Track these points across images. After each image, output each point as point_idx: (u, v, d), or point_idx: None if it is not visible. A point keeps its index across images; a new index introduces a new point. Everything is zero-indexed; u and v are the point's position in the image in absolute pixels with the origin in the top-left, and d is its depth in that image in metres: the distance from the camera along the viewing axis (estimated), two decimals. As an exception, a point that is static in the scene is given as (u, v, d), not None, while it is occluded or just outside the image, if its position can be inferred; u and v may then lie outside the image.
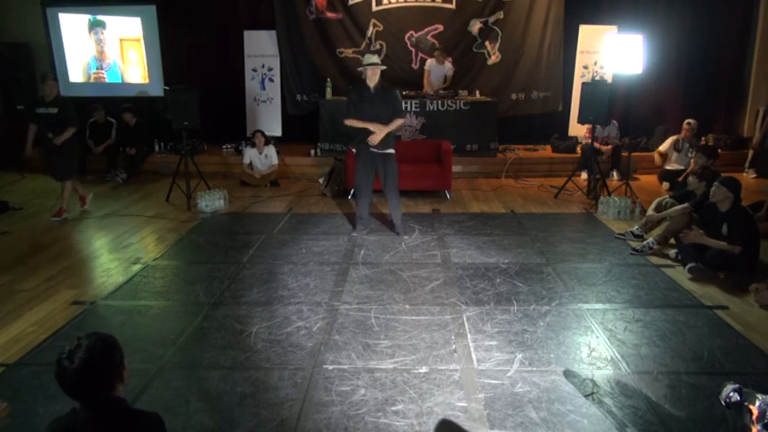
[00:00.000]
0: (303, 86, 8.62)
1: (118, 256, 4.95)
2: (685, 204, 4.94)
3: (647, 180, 7.72)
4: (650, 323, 3.65)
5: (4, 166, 8.19)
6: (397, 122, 5.15)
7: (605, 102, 6.32)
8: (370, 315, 3.77)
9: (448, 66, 8.29)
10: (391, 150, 5.21)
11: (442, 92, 8.09)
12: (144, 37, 9.00)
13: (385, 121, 5.06)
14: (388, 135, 5.13)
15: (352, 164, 6.67)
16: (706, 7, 8.59)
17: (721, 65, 8.85)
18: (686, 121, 7.38)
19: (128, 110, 8.14)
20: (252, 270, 4.58)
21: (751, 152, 8.02)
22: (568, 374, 3.06)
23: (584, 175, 7.32)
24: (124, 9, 8.89)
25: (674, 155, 7.40)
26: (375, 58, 5.12)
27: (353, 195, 6.51)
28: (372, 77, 5.04)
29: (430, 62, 8.30)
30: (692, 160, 7.06)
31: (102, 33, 9.06)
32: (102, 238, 5.45)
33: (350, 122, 5.12)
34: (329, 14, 8.38)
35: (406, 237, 5.33)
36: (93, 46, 9.11)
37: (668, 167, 7.41)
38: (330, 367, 3.14)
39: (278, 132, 8.73)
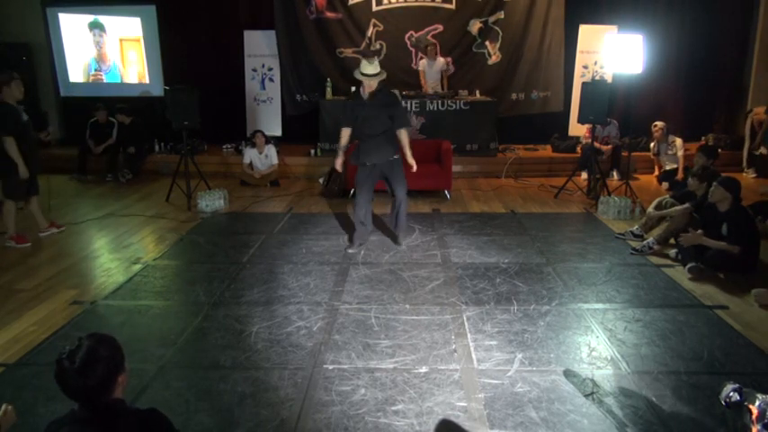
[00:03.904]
0: (303, 86, 8.62)
1: (118, 255, 4.95)
2: (686, 205, 4.94)
3: (647, 180, 7.73)
4: (650, 323, 3.65)
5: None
6: (406, 138, 4.82)
7: (605, 102, 6.32)
8: (370, 315, 3.77)
9: (441, 61, 8.27)
10: (396, 156, 4.88)
11: (441, 92, 8.09)
12: (144, 37, 9.01)
13: (380, 124, 4.73)
14: (387, 144, 4.81)
15: (352, 164, 6.67)
16: (706, 7, 8.60)
17: (721, 65, 8.85)
18: (653, 124, 7.50)
19: (120, 110, 8.15)
20: (252, 270, 4.58)
21: (746, 153, 8.04)
22: (568, 374, 3.06)
23: (584, 175, 7.33)
24: (124, 9, 8.90)
25: (661, 157, 7.56)
26: (372, 68, 4.66)
27: (353, 196, 6.49)
28: (370, 88, 4.70)
29: (423, 62, 8.29)
30: (678, 154, 7.24)
31: (102, 36, 9.06)
32: (103, 238, 5.45)
33: (342, 134, 4.90)
34: (329, 14, 8.38)
35: (403, 247, 5.08)
36: (94, 48, 9.12)
37: (665, 168, 7.48)
38: (330, 367, 3.14)
39: (278, 132, 8.73)
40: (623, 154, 7.32)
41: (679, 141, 7.30)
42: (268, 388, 2.95)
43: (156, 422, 1.74)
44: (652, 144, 7.68)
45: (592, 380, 3.00)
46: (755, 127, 7.88)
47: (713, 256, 4.35)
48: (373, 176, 4.93)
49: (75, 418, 1.65)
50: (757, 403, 1.70)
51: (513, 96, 8.67)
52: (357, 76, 4.77)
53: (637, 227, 5.31)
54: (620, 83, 7.46)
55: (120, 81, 9.28)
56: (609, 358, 3.23)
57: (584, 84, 6.68)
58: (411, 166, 4.87)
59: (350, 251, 4.95)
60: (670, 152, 7.39)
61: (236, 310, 3.85)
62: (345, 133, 4.90)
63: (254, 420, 2.69)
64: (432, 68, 8.24)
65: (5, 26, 9.00)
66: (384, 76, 4.78)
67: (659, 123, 7.46)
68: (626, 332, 3.54)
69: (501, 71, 8.61)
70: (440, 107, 7.83)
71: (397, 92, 5.26)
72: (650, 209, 5.35)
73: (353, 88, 7.83)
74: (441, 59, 8.30)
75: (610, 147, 7.72)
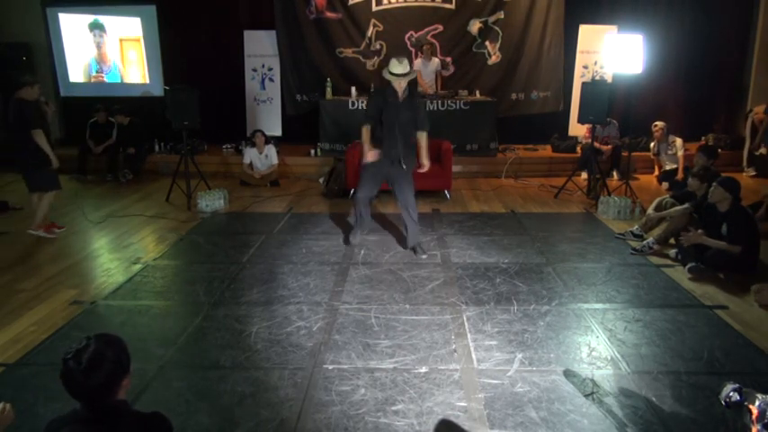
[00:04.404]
0: (303, 86, 8.62)
1: (118, 255, 4.95)
2: (686, 205, 4.94)
3: (647, 180, 7.73)
4: (650, 323, 3.65)
5: (4, 166, 8.19)
6: (425, 140, 4.69)
7: (605, 102, 6.32)
8: (370, 315, 3.77)
9: (435, 62, 8.26)
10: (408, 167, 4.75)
11: (441, 92, 8.09)
12: (144, 37, 9.01)
13: (409, 129, 4.62)
14: (410, 153, 4.68)
15: (352, 164, 6.67)
16: (706, 7, 8.60)
17: (721, 65, 8.85)
18: (653, 124, 7.49)
19: (118, 111, 8.15)
20: (252, 270, 4.58)
21: (746, 152, 8.05)
22: (568, 374, 3.06)
23: (584, 175, 7.33)
24: (124, 9, 8.90)
25: (661, 157, 7.56)
26: (402, 68, 4.49)
27: (353, 196, 6.47)
28: (400, 88, 4.54)
29: (417, 62, 8.29)
30: (678, 154, 7.24)
31: (103, 36, 9.07)
32: (103, 238, 5.45)
33: (363, 132, 4.63)
34: (329, 14, 8.38)
35: (424, 256, 4.85)
36: (94, 48, 9.12)
37: (665, 168, 7.49)
38: (330, 367, 3.14)
39: (278, 132, 8.73)
40: (623, 154, 7.32)
41: (679, 141, 7.31)
42: (268, 388, 2.95)
43: (158, 425, 1.74)
44: (652, 144, 7.68)
45: (592, 380, 3.00)
46: (756, 124, 7.88)
47: (713, 256, 4.35)
48: (381, 175, 4.78)
49: (77, 418, 1.64)
50: (757, 403, 1.70)
51: (513, 96, 8.68)
52: (386, 75, 4.56)
53: (637, 227, 5.31)
54: (620, 83, 7.46)
55: (120, 81, 9.28)
56: (609, 358, 3.23)
57: (584, 84, 6.68)
58: (423, 166, 4.74)
59: (352, 240, 5.00)
60: (670, 152, 7.39)
61: (236, 310, 3.85)
62: (366, 132, 4.63)
63: (254, 420, 2.69)
64: (427, 68, 8.23)
65: (5, 26, 9.00)
66: (414, 75, 4.58)
67: (659, 123, 7.46)
68: (626, 332, 3.54)
69: (501, 71, 8.61)
70: (440, 107, 7.83)
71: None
72: (650, 210, 5.35)
73: (353, 88, 7.89)
74: (435, 60, 8.29)
75: (610, 147, 7.72)
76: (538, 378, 3.02)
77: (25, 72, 8.77)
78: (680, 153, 7.25)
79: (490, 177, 7.90)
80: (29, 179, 5.38)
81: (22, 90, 5.14)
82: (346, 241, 5.04)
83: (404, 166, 4.67)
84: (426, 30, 8.50)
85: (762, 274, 4.32)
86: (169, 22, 8.80)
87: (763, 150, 7.79)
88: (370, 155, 4.61)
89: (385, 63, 5.02)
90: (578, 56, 8.52)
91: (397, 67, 4.50)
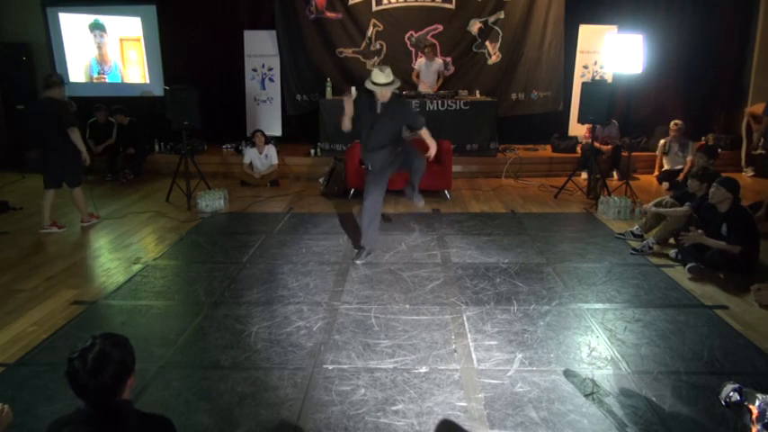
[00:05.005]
0: (303, 86, 8.63)
1: (118, 255, 4.95)
2: (686, 206, 4.94)
3: (647, 180, 7.73)
4: (650, 323, 3.65)
5: (3, 166, 8.19)
6: (427, 136, 4.59)
7: (605, 102, 6.32)
8: (370, 315, 3.77)
9: (439, 62, 8.28)
10: (399, 148, 4.69)
11: (441, 92, 8.09)
12: (144, 37, 9.01)
13: (389, 135, 4.57)
14: (392, 155, 4.65)
15: (352, 164, 6.68)
16: (706, 7, 8.60)
17: (721, 65, 8.86)
18: (673, 122, 7.49)
19: (118, 111, 8.16)
20: (252, 270, 4.58)
21: (744, 152, 8.06)
22: (568, 374, 3.06)
23: (584, 175, 7.33)
24: (124, 9, 8.92)
25: (669, 156, 7.54)
26: (384, 77, 4.39)
27: (353, 196, 6.46)
28: (384, 98, 4.47)
29: (420, 61, 8.30)
30: (688, 158, 7.21)
31: (104, 36, 9.07)
32: (103, 238, 5.45)
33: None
34: (329, 14, 8.38)
35: (421, 203, 5.14)
36: (95, 49, 9.12)
37: (667, 167, 7.48)
38: (330, 367, 3.14)
39: (278, 132, 8.73)
40: (623, 154, 7.32)
41: (692, 145, 7.32)
42: (268, 388, 2.95)
43: (161, 426, 1.74)
44: (663, 141, 7.60)
45: (592, 380, 3.00)
46: (751, 123, 7.88)
47: (713, 256, 4.35)
48: (383, 175, 4.67)
49: (80, 418, 1.64)
50: (757, 403, 1.70)
51: (513, 96, 8.68)
52: (368, 86, 4.47)
53: (637, 227, 5.31)
54: (621, 83, 7.47)
55: (120, 81, 9.28)
56: (609, 358, 3.23)
57: (584, 84, 6.68)
58: (430, 149, 4.61)
59: (357, 262, 4.65)
60: (681, 153, 7.36)
61: (236, 310, 3.85)
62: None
63: (254, 420, 2.69)
64: (429, 69, 8.24)
65: (5, 26, 9.00)
66: (398, 84, 4.50)
67: (679, 122, 7.44)
68: (626, 332, 3.54)
69: (501, 71, 8.61)
70: (440, 107, 7.83)
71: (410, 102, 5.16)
72: (648, 205, 5.34)
73: (353, 88, 7.89)
74: (439, 60, 8.30)
75: (610, 147, 7.72)
76: (538, 378, 3.02)
77: (25, 72, 8.85)
78: (690, 157, 7.23)
79: (490, 177, 7.90)
80: (52, 176, 5.42)
81: (52, 89, 5.17)
82: (354, 258, 4.74)
83: (381, 167, 4.64)
84: (426, 30, 8.51)
85: (762, 274, 4.32)
86: (169, 22, 8.80)
87: (761, 150, 7.79)
88: (346, 122, 4.57)
89: (384, 63, 5.01)
90: (578, 56, 8.52)
91: (380, 76, 4.40)
